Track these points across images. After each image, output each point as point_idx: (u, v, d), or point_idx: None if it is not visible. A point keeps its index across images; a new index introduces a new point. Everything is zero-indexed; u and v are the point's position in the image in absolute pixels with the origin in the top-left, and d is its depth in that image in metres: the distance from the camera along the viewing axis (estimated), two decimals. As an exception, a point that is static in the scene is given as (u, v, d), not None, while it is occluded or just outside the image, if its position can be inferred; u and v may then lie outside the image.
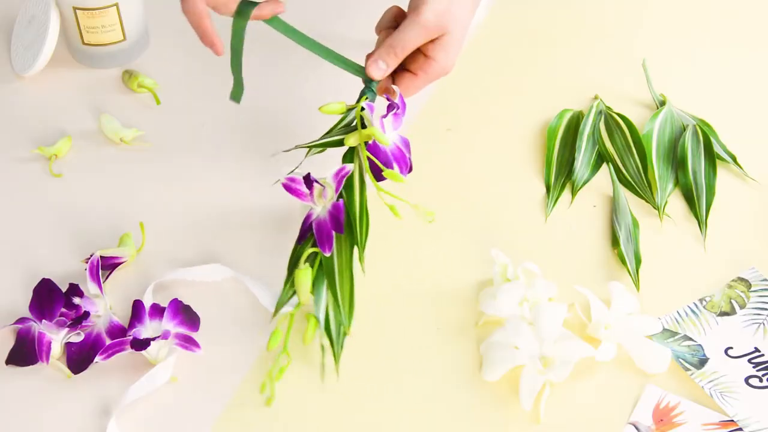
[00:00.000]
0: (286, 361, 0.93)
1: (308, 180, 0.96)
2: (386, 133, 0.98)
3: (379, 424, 0.91)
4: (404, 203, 0.97)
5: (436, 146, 1.11)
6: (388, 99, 0.99)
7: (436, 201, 1.06)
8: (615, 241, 1.02)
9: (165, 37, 1.22)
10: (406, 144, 1.01)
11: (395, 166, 1.00)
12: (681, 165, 1.08)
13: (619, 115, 1.13)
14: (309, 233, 0.98)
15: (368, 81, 1.02)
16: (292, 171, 1.01)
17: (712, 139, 1.10)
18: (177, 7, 1.26)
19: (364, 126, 0.99)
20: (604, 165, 1.10)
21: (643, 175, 1.08)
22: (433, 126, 1.13)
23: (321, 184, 0.96)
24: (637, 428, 0.90)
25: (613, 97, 1.15)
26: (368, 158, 0.98)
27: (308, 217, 0.97)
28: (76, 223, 1.05)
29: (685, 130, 1.11)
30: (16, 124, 1.14)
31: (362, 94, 1.02)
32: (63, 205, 1.06)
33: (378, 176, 0.98)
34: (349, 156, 1.00)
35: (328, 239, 0.95)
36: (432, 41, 1.00)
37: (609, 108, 1.14)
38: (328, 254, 0.95)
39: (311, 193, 0.97)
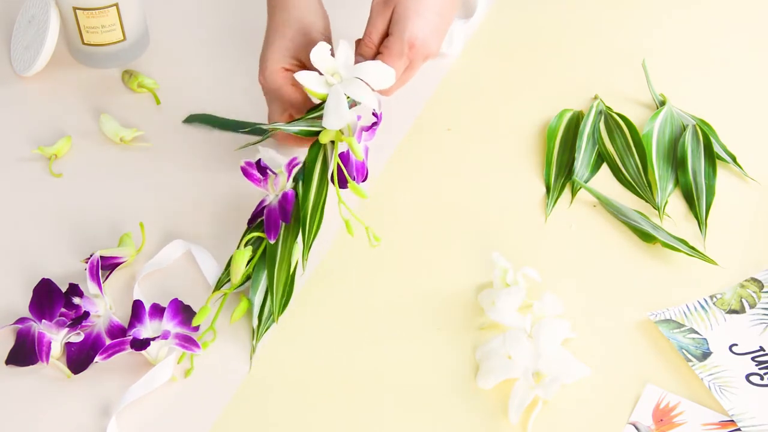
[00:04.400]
0: (211, 337, 0.94)
1: (259, 166, 0.99)
2: (359, 142, 1.00)
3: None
4: (358, 221, 0.98)
5: (436, 146, 1.11)
6: (374, 114, 1.01)
7: (435, 200, 1.06)
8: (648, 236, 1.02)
9: (165, 37, 1.22)
10: (367, 152, 1.02)
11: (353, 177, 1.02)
12: (681, 165, 1.08)
13: (619, 115, 1.13)
14: (260, 217, 1.00)
15: None
16: (248, 144, 1.04)
17: (712, 139, 1.10)
18: (177, 7, 1.27)
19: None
20: (604, 165, 1.10)
21: (643, 175, 1.08)
22: (433, 126, 1.13)
23: (273, 173, 0.98)
24: (637, 428, 0.90)
25: (613, 97, 1.15)
26: (338, 165, 0.99)
27: (262, 202, 1.00)
28: (76, 223, 1.05)
29: (685, 130, 1.11)
30: (16, 124, 1.14)
31: None
32: (63, 205, 1.06)
33: (342, 184, 1.00)
34: (316, 148, 1.01)
35: (275, 227, 0.98)
36: (390, 21, 1.02)
37: (609, 108, 1.14)
38: (272, 241, 0.98)
39: (265, 180, 0.98)
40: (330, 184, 1.00)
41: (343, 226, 1.03)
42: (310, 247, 0.99)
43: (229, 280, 0.98)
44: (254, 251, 0.98)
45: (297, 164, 1.00)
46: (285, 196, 0.98)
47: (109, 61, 1.19)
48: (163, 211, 1.06)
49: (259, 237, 0.99)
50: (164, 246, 1.02)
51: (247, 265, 0.97)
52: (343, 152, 1.00)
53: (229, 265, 0.99)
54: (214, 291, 0.98)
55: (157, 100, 1.16)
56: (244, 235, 1.00)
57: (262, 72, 1.03)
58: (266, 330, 0.96)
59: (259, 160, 0.99)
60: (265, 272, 0.98)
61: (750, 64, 1.19)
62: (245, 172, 1.00)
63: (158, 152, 1.11)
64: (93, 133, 1.13)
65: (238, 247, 0.99)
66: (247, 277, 0.98)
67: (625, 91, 1.16)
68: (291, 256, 0.99)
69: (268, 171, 0.99)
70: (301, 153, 1.02)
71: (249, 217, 1.02)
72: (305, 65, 1.03)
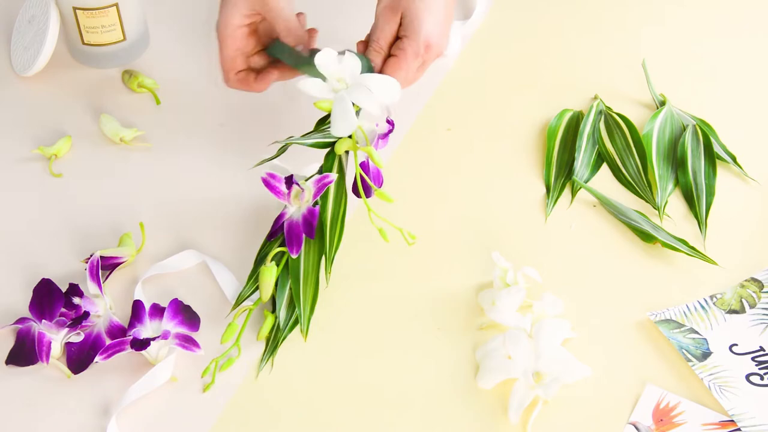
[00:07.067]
0: (236, 354, 0.94)
1: (290, 181, 0.97)
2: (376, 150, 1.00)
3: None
4: (389, 224, 0.98)
5: (436, 146, 1.11)
6: (388, 121, 1.00)
7: (435, 200, 1.06)
8: (648, 236, 1.01)
9: (165, 37, 1.22)
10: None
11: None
12: (681, 165, 1.08)
13: (619, 115, 1.13)
14: (280, 231, 0.99)
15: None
16: (265, 161, 1.01)
17: (712, 139, 1.10)
18: (177, 7, 1.27)
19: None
20: (604, 165, 1.10)
21: (643, 175, 1.08)
22: (433, 126, 1.13)
23: (300, 187, 0.97)
24: (637, 428, 0.90)
25: (613, 97, 1.15)
26: (360, 176, 0.98)
27: (281, 215, 0.99)
28: (76, 223, 1.05)
29: (685, 130, 1.11)
30: (16, 124, 1.14)
31: None
32: (63, 205, 1.06)
33: (366, 193, 0.99)
34: (330, 159, 1.01)
35: (297, 241, 0.97)
36: (401, 25, 1.03)
37: (609, 108, 1.14)
38: (294, 256, 0.97)
39: (289, 193, 0.98)
40: (349, 193, 1.00)
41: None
42: (332, 260, 0.98)
43: (250, 295, 0.98)
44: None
45: (329, 182, 0.98)
46: (311, 211, 0.97)
47: (109, 61, 1.19)
48: (163, 211, 1.06)
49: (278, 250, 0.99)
50: (164, 246, 1.02)
51: None
52: (362, 162, 0.99)
53: (249, 279, 0.98)
54: (234, 306, 0.97)
55: (157, 100, 1.16)
56: (262, 248, 1.00)
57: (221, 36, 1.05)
58: (282, 342, 0.95)
59: (291, 175, 0.97)
60: (288, 287, 0.97)
61: (750, 64, 1.20)
62: (267, 184, 0.98)
63: (158, 152, 1.11)
64: (93, 133, 1.13)
65: (257, 260, 0.98)
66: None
67: (625, 91, 1.16)
68: (317, 270, 0.98)
69: (294, 185, 0.97)
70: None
71: (249, 215, 1.02)
72: (262, 14, 1.03)
